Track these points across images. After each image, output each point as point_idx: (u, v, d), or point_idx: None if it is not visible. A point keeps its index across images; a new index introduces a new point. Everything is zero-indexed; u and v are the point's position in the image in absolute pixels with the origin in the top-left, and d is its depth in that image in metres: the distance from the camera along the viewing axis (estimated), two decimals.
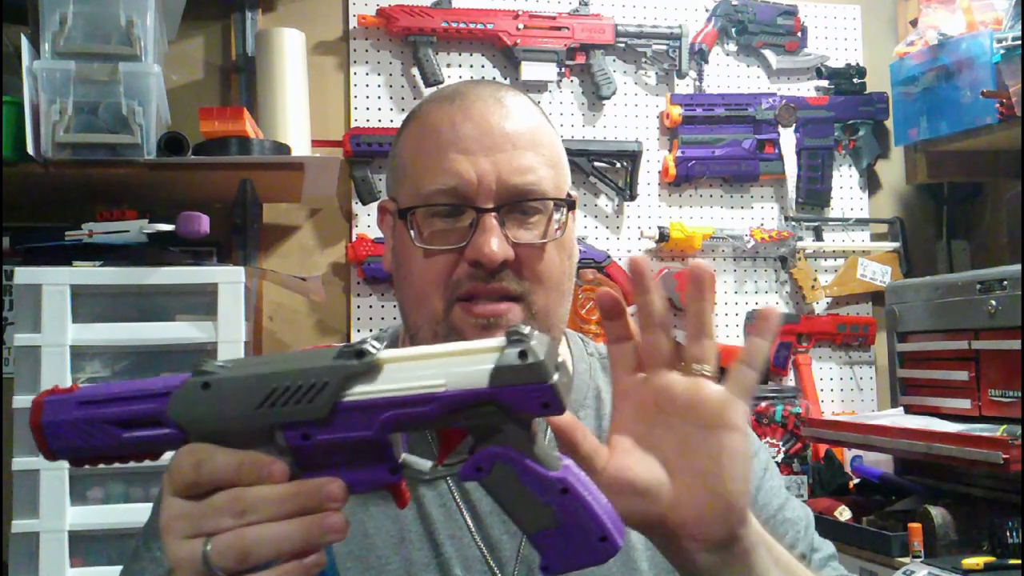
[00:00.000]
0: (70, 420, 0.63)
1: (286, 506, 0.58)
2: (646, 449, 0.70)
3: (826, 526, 1.69)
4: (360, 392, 0.61)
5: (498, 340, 0.62)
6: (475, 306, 0.88)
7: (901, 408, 2.15)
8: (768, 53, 2.49)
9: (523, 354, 0.60)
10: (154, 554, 0.87)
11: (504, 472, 0.63)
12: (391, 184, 0.98)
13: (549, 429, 0.95)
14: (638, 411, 0.71)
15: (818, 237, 2.48)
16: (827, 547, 0.98)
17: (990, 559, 1.65)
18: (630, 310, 0.71)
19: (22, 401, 1.65)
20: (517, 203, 0.89)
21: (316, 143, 2.20)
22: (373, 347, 0.61)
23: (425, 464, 0.65)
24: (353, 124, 2.28)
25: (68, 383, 1.66)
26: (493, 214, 0.87)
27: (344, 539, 0.59)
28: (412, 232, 0.90)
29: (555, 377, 0.61)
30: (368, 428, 0.61)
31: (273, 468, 0.59)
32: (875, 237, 2.55)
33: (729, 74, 2.50)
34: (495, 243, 0.86)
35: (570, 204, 0.93)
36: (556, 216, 0.92)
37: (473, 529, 0.90)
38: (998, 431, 1.74)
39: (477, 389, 0.61)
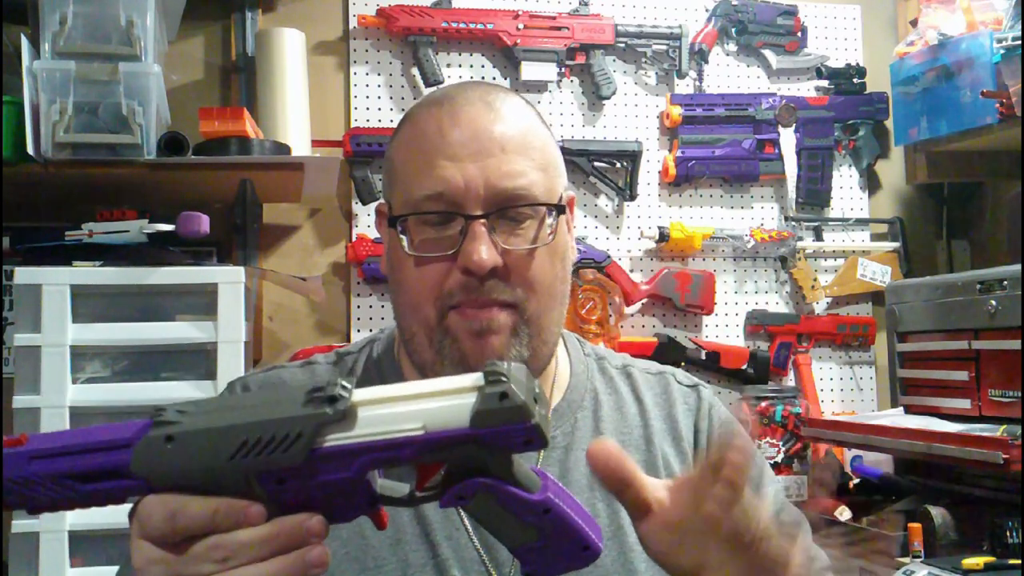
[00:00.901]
0: (24, 476, 0.61)
1: (267, 547, 0.58)
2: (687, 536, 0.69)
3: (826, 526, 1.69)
4: (336, 438, 0.60)
5: (475, 378, 0.61)
6: (469, 312, 0.88)
7: (901, 408, 2.15)
8: (768, 53, 2.49)
9: (504, 395, 0.59)
10: None
11: (486, 499, 0.63)
12: (385, 188, 0.98)
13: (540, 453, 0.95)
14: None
15: (818, 237, 2.48)
16: (823, 556, 0.98)
17: (990, 559, 1.65)
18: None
19: (22, 401, 1.65)
20: (506, 209, 0.88)
21: (316, 143, 2.20)
22: (345, 390, 0.60)
23: (403, 488, 0.65)
24: (353, 124, 2.28)
25: (68, 383, 1.66)
26: (482, 221, 0.87)
27: (326, 570, 0.59)
28: (404, 239, 0.89)
29: (537, 415, 0.60)
30: (345, 471, 0.60)
31: (250, 511, 0.59)
32: (875, 237, 2.55)
33: (729, 74, 2.49)
34: (484, 251, 0.85)
35: (560, 208, 0.92)
36: (548, 220, 0.90)
37: (470, 530, 0.90)
38: (998, 431, 1.73)
39: (458, 431, 0.60)
